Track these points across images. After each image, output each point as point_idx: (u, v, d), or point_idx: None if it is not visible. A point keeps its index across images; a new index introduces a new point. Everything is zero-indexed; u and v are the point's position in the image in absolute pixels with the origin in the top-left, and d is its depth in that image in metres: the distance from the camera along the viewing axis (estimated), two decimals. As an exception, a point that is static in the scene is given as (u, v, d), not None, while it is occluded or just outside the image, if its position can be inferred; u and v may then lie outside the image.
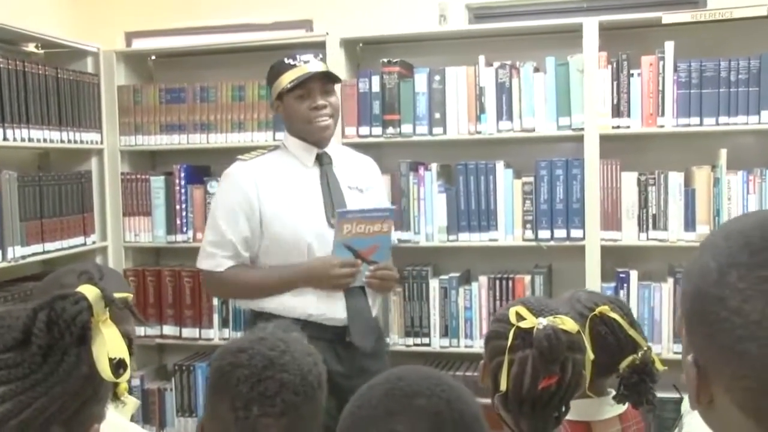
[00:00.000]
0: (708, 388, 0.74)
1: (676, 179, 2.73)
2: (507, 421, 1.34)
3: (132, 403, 1.55)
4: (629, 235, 2.77)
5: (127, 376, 0.90)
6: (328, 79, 2.37)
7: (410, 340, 2.95)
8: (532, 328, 1.30)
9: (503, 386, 1.30)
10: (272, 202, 2.32)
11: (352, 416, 1.05)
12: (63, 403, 0.87)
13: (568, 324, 1.32)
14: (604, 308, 1.57)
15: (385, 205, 2.54)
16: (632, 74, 2.76)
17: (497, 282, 2.90)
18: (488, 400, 1.38)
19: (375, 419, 1.01)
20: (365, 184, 2.46)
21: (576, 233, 2.81)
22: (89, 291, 0.89)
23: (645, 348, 1.55)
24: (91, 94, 3.14)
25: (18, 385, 0.85)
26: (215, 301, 3.18)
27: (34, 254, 2.78)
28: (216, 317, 3.19)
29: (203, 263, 2.40)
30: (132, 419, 3.03)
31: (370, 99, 2.98)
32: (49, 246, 2.87)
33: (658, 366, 1.55)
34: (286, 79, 2.33)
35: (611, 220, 2.79)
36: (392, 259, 2.46)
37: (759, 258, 0.69)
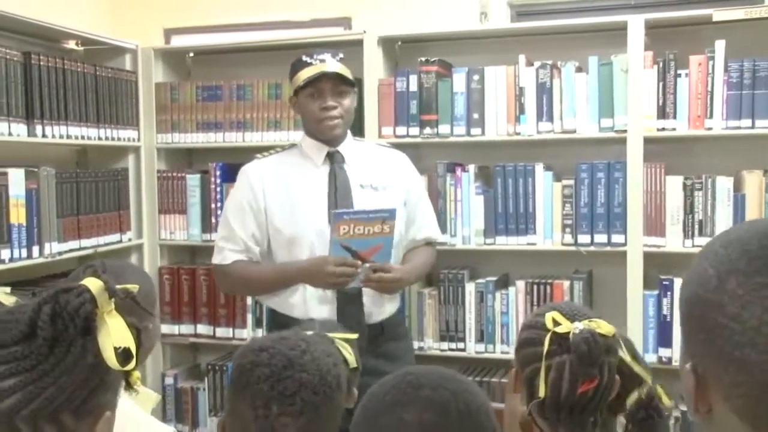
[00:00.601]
0: (706, 396, 0.75)
1: (724, 184, 2.68)
2: (543, 429, 1.34)
3: (152, 397, 1.60)
4: (674, 241, 2.73)
5: (132, 364, 0.95)
6: (342, 80, 2.37)
7: (445, 345, 2.95)
8: (569, 332, 1.31)
9: (541, 393, 1.30)
10: (277, 199, 2.39)
11: (363, 408, 1.09)
12: (71, 392, 0.91)
13: (604, 327, 1.33)
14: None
15: (391, 205, 2.45)
16: (679, 74, 2.71)
17: (535, 287, 2.88)
18: (502, 405, 1.39)
19: (383, 409, 1.05)
20: (382, 183, 2.45)
21: (617, 238, 2.78)
22: (92, 283, 0.93)
23: (649, 383, 1.53)
24: (129, 92, 3.20)
25: (27, 377, 0.90)
26: (249, 301, 3.22)
27: (70, 250, 2.85)
28: (249, 317, 3.23)
29: (214, 258, 2.50)
30: (165, 418, 3.10)
31: (407, 99, 2.99)
32: (85, 242, 2.94)
33: (665, 401, 1.52)
34: (302, 77, 2.37)
35: (655, 225, 2.74)
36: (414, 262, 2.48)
37: (757, 265, 0.71)
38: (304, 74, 2.36)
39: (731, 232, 0.78)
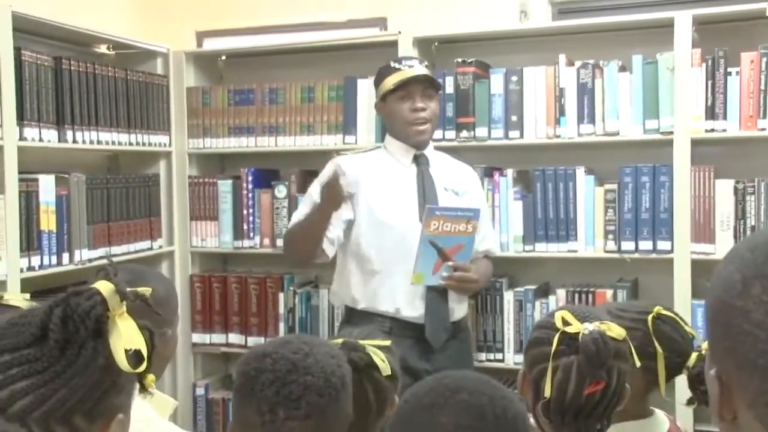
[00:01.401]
0: (731, 403, 0.75)
1: (777, 188, 2.61)
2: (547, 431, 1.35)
3: (169, 403, 1.61)
4: (724, 248, 2.65)
5: (143, 366, 0.97)
6: (430, 84, 2.59)
7: (483, 355, 2.92)
8: (578, 333, 1.32)
9: (546, 393, 1.32)
10: (369, 191, 2.57)
11: (400, 410, 1.13)
12: (83, 394, 0.93)
13: (615, 330, 1.34)
14: (659, 308, 1.60)
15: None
16: (730, 72, 2.65)
17: (577, 296, 2.83)
18: None
19: (420, 411, 1.09)
20: (462, 188, 2.65)
21: (663, 245, 2.71)
22: (103, 286, 0.95)
23: (702, 342, 1.55)
24: (160, 96, 3.24)
25: (38, 379, 0.92)
26: (281, 309, 3.23)
27: (100, 257, 2.89)
28: (282, 326, 3.23)
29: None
30: (196, 429, 3.11)
31: (443, 101, 2.96)
32: (115, 249, 2.98)
33: None
34: (390, 82, 2.57)
35: (703, 231, 2.68)
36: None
37: None
38: (394, 78, 2.56)
39: (759, 235, 0.77)
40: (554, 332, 1.35)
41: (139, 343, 0.96)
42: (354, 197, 2.54)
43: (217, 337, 3.32)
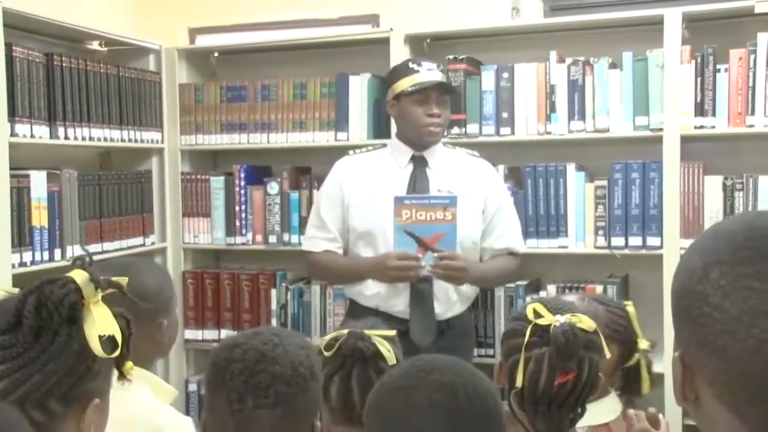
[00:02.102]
0: (693, 384, 0.79)
1: (767, 184, 2.63)
2: (522, 421, 1.41)
3: (170, 391, 1.65)
4: (713, 244, 2.68)
5: (117, 353, 1.02)
6: (444, 90, 2.61)
7: (474, 351, 2.94)
8: (550, 325, 1.38)
9: (518, 383, 1.38)
10: (357, 195, 2.62)
11: (375, 393, 1.18)
12: (58, 378, 0.98)
13: (586, 322, 1.40)
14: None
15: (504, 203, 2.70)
16: (719, 69, 2.68)
17: (567, 291, 2.86)
18: None
19: (394, 393, 1.14)
20: (460, 190, 2.59)
21: (653, 241, 2.75)
22: (78, 275, 1.01)
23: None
24: (152, 93, 3.27)
25: (13, 364, 0.97)
26: (274, 305, 3.26)
27: (92, 254, 2.89)
28: (274, 322, 3.25)
29: (304, 244, 2.77)
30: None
31: (435, 97, 2.99)
32: (108, 246, 3.00)
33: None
34: (407, 83, 2.58)
35: (693, 227, 2.71)
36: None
37: (740, 256, 0.74)
38: (411, 80, 2.57)
39: (721, 224, 0.83)
40: (527, 324, 1.40)
41: (114, 329, 1.01)
42: (343, 205, 2.64)
43: (210, 333, 3.34)
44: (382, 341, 1.52)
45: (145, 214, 3.26)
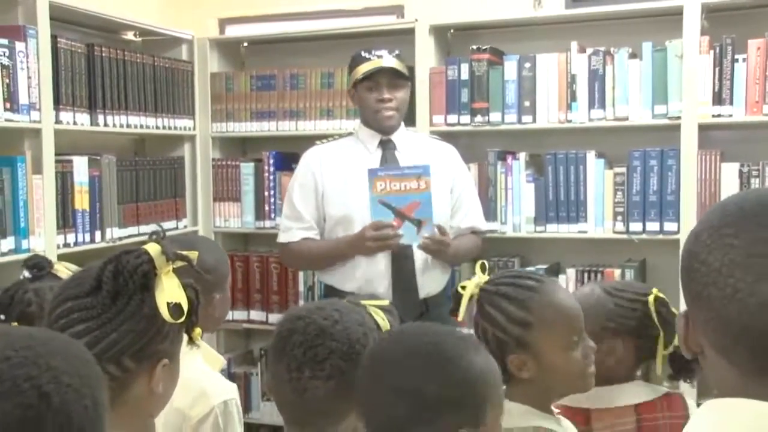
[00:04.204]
0: (694, 336, 0.90)
1: (781, 171, 2.73)
2: None
3: (219, 360, 1.79)
4: (729, 229, 2.78)
5: (183, 318, 1.15)
6: (397, 75, 2.67)
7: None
8: None
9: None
10: (331, 181, 2.68)
11: (369, 366, 1.28)
12: (131, 338, 1.13)
13: None
14: (656, 291, 1.73)
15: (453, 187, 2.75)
16: (737, 59, 2.77)
17: (586, 275, 2.97)
18: None
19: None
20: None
21: (670, 226, 2.85)
22: (152, 248, 1.15)
23: None
24: (185, 82, 3.40)
25: (93, 323, 1.12)
26: (301, 287, 3.39)
27: (130, 236, 3.06)
28: (302, 303, 3.39)
29: (280, 237, 2.81)
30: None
31: (458, 87, 3.11)
32: (144, 229, 3.14)
33: None
34: (360, 71, 2.68)
35: (709, 213, 2.80)
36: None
37: (726, 220, 0.86)
38: (363, 68, 2.67)
39: (731, 197, 0.93)
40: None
41: (181, 298, 1.14)
42: (318, 193, 2.70)
43: (239, 314, 3.49)
44: (377, 311, 1.56)
45: (178, 198, 3.40)
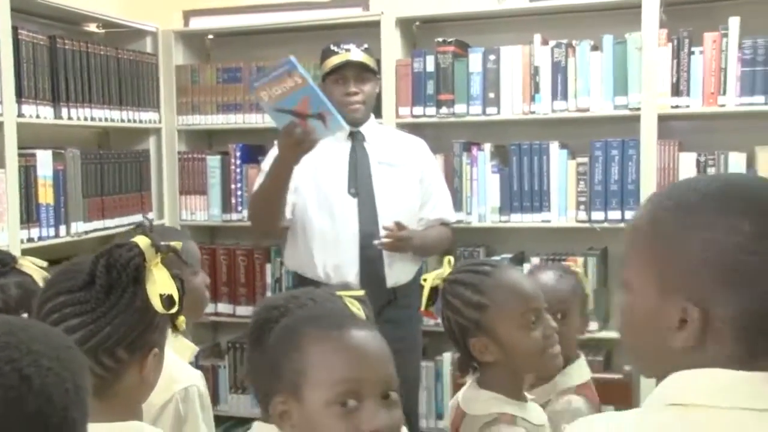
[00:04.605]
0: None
1: (737, 160, 2.82)
2: None
3: (190, 347, 1.81)
4: (687, 217, 2.86)
5: (175, 309, 1.18)
6: (364, 68, 2.73)
7: (422, 321, 3.06)
8: None
9: None
10: (301, 172, 2.67)
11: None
12: (124, 330, 1.16)
13: None
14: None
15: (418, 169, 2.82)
16: (693, 52, 2.85)
17: (550, 263, 3.03)
18: None
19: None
20: (398, 161, 2.78)
21: (631, 215, 2.90)
22: (141, 240, 1.17)
23: None
24: (149, 74, 3.39)
25: (88, 317, 1.14)
26: (269, 279, 3.41)
27: (95, 230, 3.05)
28: (269, 295, 3.41)
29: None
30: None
31: (424, 79, 3.15)
32: (109, 222, 3.13)
33: None
34: (328, 64, 2.74)
35: (668, 202, 2.88)
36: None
37: (666, 189, 0.99)
38: (331, 62, 2.73)
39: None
40: None
41: (171, 289, 1.17)
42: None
43: (207, 307, 3.49)
44: (352, 301, 1.58)
45: (144, 192, 3.39)
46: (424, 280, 1.63)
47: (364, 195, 2.72)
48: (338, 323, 1.17)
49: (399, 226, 2.64)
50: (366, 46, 2.78)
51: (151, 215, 3.42)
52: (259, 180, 2.79)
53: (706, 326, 0.88)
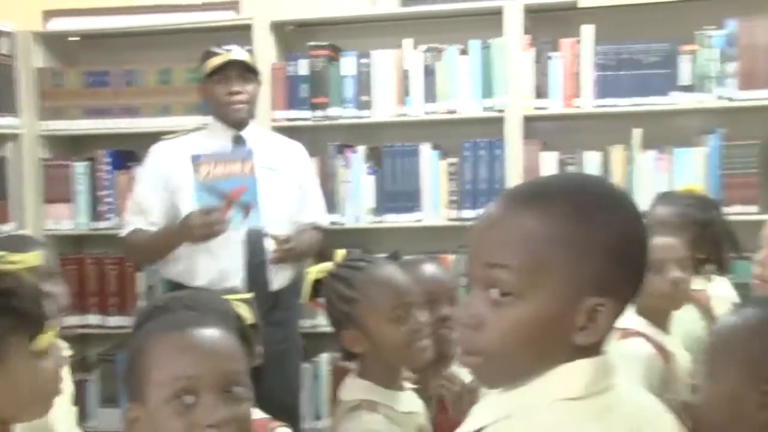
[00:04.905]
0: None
1: (592, 159, 3.00)
2: None
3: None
4: (550, 214, 3.02)
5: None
6: (246, 68, 2.74)
7: (298, 322, 3.04)
8: None
9: None
10: (184, 177, 2.62)
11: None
12: None
13: None
14: None
15: (300, 180, 2.86)
16: (551, 57, 3.02)
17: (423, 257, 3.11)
18: None
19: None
20: (279, 166, 2.78)
21: (499, 213, 3.05)
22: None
23: None
24: (5, 77, 3.23)
25: None
26: (141, 288, 3.32)
27: (-52, 243, 2.87)
28: (141, 304, 3.32)
29: (121, 233, 2.82)
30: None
31: (298, 82, 3.17)
32: (-36, 234, 2.96)
33: None
34: (210, 65, 2.73)
35: (534, 199, 3.02)
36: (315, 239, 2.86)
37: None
38: (213, 62, 2.72)
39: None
40: None
41: None
42: (167, 185, 2.71)
43: (74, 319, 3.34)
44: (239, 303, 1.56)
45: (2, 201, 3.22)
46: (308, 272, 1.67)
47: None
48: (182, 323, 1.18)
49: (285, 240, 2.65)
50: (249, 47, 2.81)
51: (12, 225, 3.26)
52: (135, 202, 2.78)
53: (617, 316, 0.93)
